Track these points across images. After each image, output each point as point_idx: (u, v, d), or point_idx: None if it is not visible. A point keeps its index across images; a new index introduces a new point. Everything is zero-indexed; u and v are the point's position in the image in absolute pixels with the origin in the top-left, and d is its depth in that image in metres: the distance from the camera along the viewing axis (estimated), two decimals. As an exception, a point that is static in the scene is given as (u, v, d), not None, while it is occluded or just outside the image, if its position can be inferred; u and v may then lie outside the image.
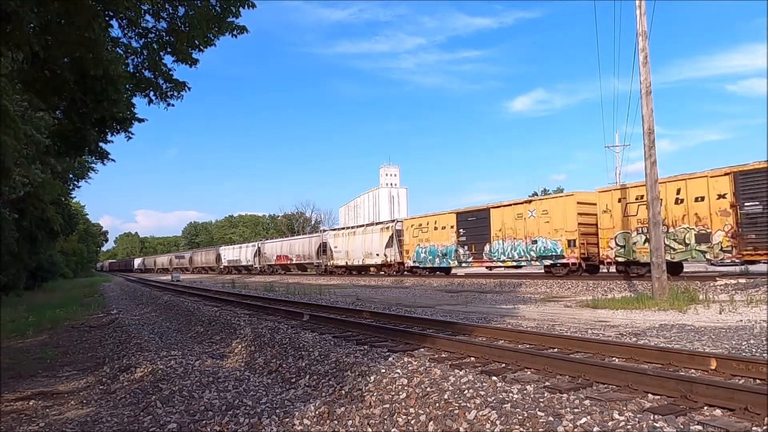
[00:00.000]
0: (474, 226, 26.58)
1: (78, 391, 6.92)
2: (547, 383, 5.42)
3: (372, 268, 36.92)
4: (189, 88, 8.59)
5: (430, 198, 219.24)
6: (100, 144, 8.63)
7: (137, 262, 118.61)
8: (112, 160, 9.23)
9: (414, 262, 30.60)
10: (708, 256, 17.09)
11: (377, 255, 34.52)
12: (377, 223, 38.28)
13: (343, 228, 44.28)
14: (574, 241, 21.43)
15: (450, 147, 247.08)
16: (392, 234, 33.25)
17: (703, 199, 17.02)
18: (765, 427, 3.87)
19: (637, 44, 13.73)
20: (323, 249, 42.32)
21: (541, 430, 3.81)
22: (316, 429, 4.74)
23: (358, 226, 41.35)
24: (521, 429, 3.89)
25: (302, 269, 47.26)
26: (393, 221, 35.71)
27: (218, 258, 64.64)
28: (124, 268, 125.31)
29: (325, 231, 50.71)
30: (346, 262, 38.37)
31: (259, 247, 55.18)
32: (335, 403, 5.25)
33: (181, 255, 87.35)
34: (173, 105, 8.61)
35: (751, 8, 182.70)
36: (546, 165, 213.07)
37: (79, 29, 5.88)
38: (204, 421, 4.94)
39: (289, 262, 48.18)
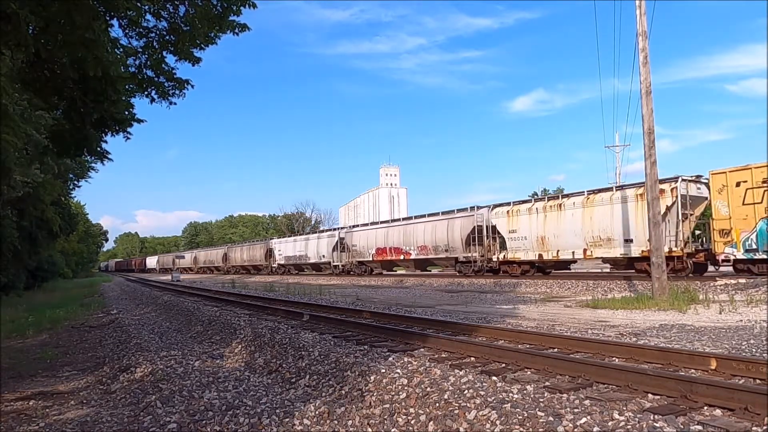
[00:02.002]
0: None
1: (78, 391, 6.92)
2: (547, 383, 5.42)
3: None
4: (192, 86, 8.58)
5: (430, 198, 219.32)
6: (100, 144, 8.61)
7: (151, 261, 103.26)
8: (111, 160, 9.21)
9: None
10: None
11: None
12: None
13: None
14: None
15: (450, 147, 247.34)
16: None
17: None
18: (765, 427, 3.87)
19: (637, 44, 13.73)
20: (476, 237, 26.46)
21: (541, 430, 3.81)
22: (316, 429, 4.74)
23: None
24: (521, 429, 3.89)
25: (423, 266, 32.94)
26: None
27: (269, 254, 51.25)
28: (127, 268, 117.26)
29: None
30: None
31: (340, 239, 39.05)
32: (335, 403, 5.26)
33: (210, 250, 75.06)
34: (175, 103, 8.60)
35: (751, 8, 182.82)
36: (546, 165, 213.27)
37: (80, 29, 5.87)
38: (204, 421, 4.94)
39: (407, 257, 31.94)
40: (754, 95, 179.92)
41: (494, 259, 24.96)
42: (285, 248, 47.82)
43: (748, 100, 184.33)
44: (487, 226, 25.71)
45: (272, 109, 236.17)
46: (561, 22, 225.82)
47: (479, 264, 25.72)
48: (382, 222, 37.36)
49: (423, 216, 32.26)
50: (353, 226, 41.24)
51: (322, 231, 45.02)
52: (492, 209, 25.66)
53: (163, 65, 8.08)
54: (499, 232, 24.81)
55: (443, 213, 29.76)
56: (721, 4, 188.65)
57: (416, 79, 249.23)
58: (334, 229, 43.24)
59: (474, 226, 26.15)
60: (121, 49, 7.78)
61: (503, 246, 24.58)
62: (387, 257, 33.48)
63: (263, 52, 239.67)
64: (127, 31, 7.58)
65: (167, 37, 7.62)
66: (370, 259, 34.86)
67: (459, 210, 28.83)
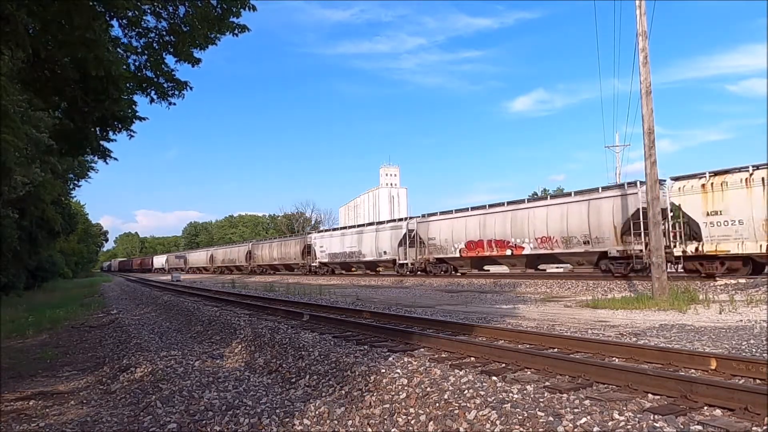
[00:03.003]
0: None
1: (78, 391, 6.92)
2: (547, 383, 5.42)
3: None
4: (191, 88, 8.60)
5: (430, 198, 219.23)
6: (102, 143, 8.62)
7: (159, 260, 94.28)
8: (115, 158, 9.21)
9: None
10: None
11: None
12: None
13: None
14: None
15: (450, 147, 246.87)
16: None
17: None
18: (765, 427, 3.87)
19: (637, 44, 13.74)
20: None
21: (541, 430, 3.81)
22: (316, 429, 4.74)
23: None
24: (521, 429, 3.89)
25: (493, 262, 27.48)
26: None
27: (306, 250, 43.10)
28: (132, 268, 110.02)
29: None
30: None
31: (408, 231, 31.31)
32: (335, 403, 5.26)
33: (230, 247, 64.25)
34: (175, 104, 8.62)
35: (751, 8, 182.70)
36: (546, 165, 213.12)
37: (80, 29, 5.88)
38: (204, 421, 4.95)
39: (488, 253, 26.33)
40: (754, 95, 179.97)
41: (678, 252, 17.92)
42: (329, 244, 39.47)
43: (748, 100, 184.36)
44: (663, 208, 16.57)
45: (272, 109, 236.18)
46: (561, 22, 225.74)
47: (644, 260, 18.50)
48: (474, 208, 27.34)
49: (541, 198, 26.38)
50: (428, 215, 30.73)
51: (381, 222, 36.17)
52: (674, 183, 18.35)
53: (162, 66, 8.09)
54: (684, 215, 17.98)
55: (578, 192, 22.43)
56: (721, 4, 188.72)
57: (416, 79, 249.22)
58: (399, 220, 34.61)
59: (637, 209, 18.91)
60: (122, 48, 7.80)
61: (692, 234, 17.85)
62: (483, 252, 25.91)
63: (263, 52, 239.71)
64: (126, 31, 7.59)
65: (167, 38, 7.63)
66: (456, 255, 27.29)
67: (605, 188, 21.63)
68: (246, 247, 56.87)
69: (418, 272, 30.40)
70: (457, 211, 28.70)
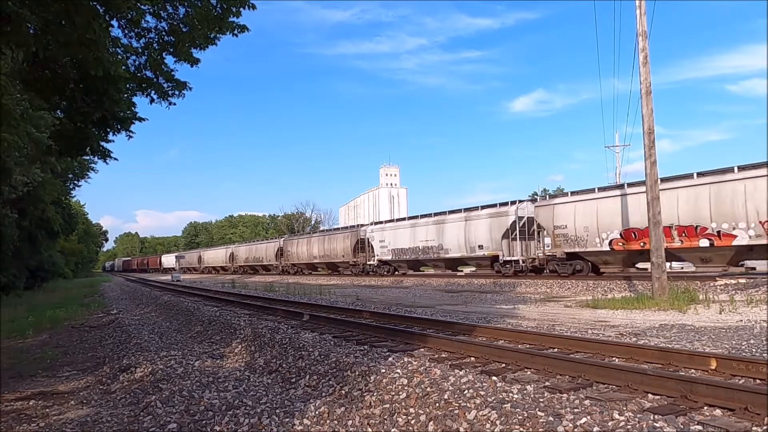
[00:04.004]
0: None
1: (78, 391, 6.92)
2: (547, 383, 5.42)
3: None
4: (190, 88, 8.60)
5: (430, 198, 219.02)
6: (102, 143, 8.63)
7: (168, 260, 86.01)
8: (115, 158, 9.22)
9: None
10: None
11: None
12: None
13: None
14: None
15: (450, 147, 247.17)
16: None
17: None
18: (765, 427, 3.87)
19: (637, 44, 13.73)
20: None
21: (541, 430, 3.81)
22: (316, 429, 4.74)
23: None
24: (521, 429, 3.89)
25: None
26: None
27: (359, 246, 36.21)
28: (138, 268, 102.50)
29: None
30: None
31: (518, 218, 24.45)
32: (335, 403, 5.26)
33: (255, 244, 56.65)
34: (174, 104, 8.63)
35: (751, 8, 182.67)
36: (546, 165, 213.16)
37: (80, 30, 5.88)
38: (204, 421, 4.95)
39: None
40: (754, 95, 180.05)
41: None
42: (393, 237, 32.39)
43: (748, 100, 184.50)
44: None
45: (272, 109, 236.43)
46: (561, 22, 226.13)
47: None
48: (633, 184, 19.35)
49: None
50: (550, 195, 25.05)
51: (473, 209, 27.53)
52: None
53: (162, 66, 8.09)
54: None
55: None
56: (721, 4, 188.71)
57: (417, 79, 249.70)
58: (501, 204, 25.86)
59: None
60: (122, 49, 7.80)
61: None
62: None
63: (264, 52, 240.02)
64: (126, 31, 7.59)
65: (167, 38, 7.63)
66: (604, 248, 20.05)
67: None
68: (276, 243, 49.54)
69: (530, 272, 23.55)
70: (601, 189, 21.14)
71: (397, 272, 33.07)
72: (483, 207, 27.00)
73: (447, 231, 28.08)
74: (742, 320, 9.68)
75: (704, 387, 4.61)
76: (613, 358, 6.48)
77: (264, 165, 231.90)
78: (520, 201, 25.05)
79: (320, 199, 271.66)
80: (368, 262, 34.76)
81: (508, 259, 24.37)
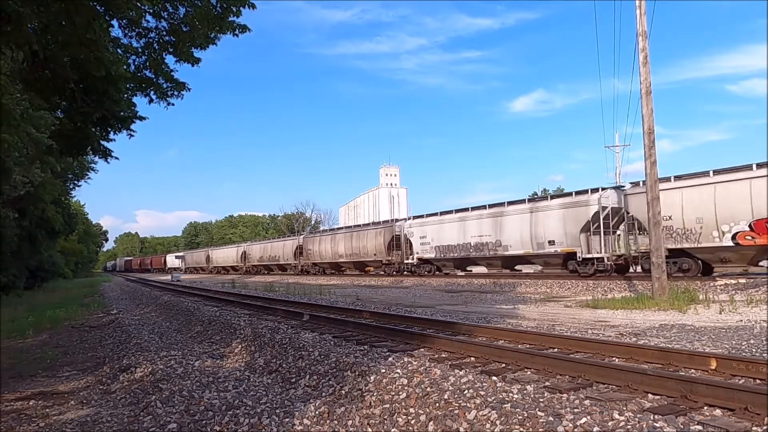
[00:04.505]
0: None
1: (78, 391, 6.92)
2: (547, 383, 5.42)
3: None
4: (189, 89, 8.59)
5: (430, 198, 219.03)
6: (103, 142, 8.62)
7: (172, 259, 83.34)
8: (116, 157, 9.20)
9: None
10: None
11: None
12: None
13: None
14: None
15: (450, 147, 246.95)
16: None
17: None
18: (765, 427, 3.87)
19: (637, 44, 13.74)
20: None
21: (541, 430, 3.81)
22: (316, 429, 4.74)
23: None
24: (521, 429, 3.89)
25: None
26: None
27: (394, 243, 32.57)
28: (138, 268, 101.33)
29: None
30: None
31: (613, 210, 20.98)
32: (335, 403, 5.26)
33: (271, 242, 53.22)
34: (173, 104, 8.61)
35: (751, 8, 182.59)
36: (546, 165, 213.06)
37: (80, 30, 5.88)
38: (204, 421, 4.95)
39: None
40: (754, 95, 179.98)
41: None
42: (437, 233, 28.59)
43: (748, 100, 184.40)
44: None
45: (272, 109, 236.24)
46: (561, 22, 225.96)
47: None
48: (761, 165, 16.10)
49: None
50: (642, 183, 17.74)
51: (540, 198, 25.13)
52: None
53: (162, 66, 8.08)
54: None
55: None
56: (721, 4, 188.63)
57: (417, 79, 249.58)
58: (579, 193, 22.10)
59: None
60: (122, 49, 7.80)
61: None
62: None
63: (264, 52, 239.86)
64: (126, 31, 7.59)
65: (167, 38, 7.62)
66: (728, 243, 16.60)
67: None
68: (295, 241, 45.99)
69: (613, 272, 20.14)
70: (718, 172, 17.26)
71: (439, 272, 29.53)
72: (553, 196, 23.84)
73: (506, 224, 24.35)
74: (742, 320, 9.68)
75: (704, 387, 4.61)
76: (613, 358, 6.48)
77: (264, 165, 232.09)
78: (603, 188, 21.30)
79: (320, 199, 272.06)
80: (405, 261, 31.22)
81: (588, 256, 20.78)
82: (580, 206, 21.21)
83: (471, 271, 28.76)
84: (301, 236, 47.05)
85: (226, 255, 62.08)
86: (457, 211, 28.54)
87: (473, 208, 27.58)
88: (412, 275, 30.26)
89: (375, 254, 33.88)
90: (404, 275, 30.94)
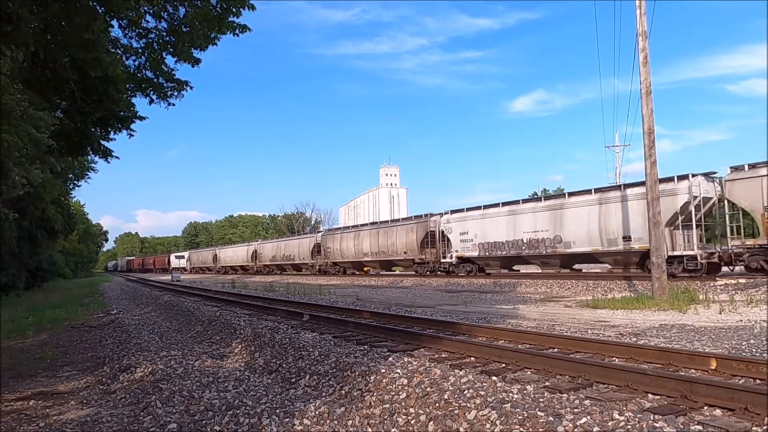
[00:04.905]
0: None
1: (78, 391, 6.92)
2: (547, 383, 5.42)
3: None
4: (191, 87, 8.59)
5: (430, 198, 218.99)
6: (103, 142, 8.62)
7: (177, 260, 79.31)
8: (117, 157, 9.20)
9: None
10: None
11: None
12: None
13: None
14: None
15: (450, 147, 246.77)
16: None
17: None
18: (765, 427, 3.87)
19: (637, 44, 13.74)
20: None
21: (541, 430, 3.81)
22: (316, 429, 4.74)
23: None
24: (521, 429, 3.89)
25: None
26: None
27: (428, 240, 29.59)
28: (141, 268, 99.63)
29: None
30: None
31: (719, 201, 18.17)
32: (335, 403, 5.26)
33: (286, 240, 50.65)
34: (174, 104, 8.61)
35: (751, 8, 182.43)
36: (546, 165, 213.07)
37: (79, 30, 5.88)
38: (204, 421, 4.95)
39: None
40: (754, 95, 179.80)
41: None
42: (481, 228, 25.74)
43: (748, 100, 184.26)
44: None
45: (273, 109, 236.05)
46: (561, 22, 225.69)
47: None
48: None
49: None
50: (748, 166, 16.85)
51: (613, 188, 21.51)
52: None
53: (162, 66, 8.08)
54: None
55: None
56: (721, 4, 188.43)
57: (417, 79, 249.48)
58: (665, 180, 17.77)
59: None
60: (121, 49, 7.79)
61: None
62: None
63: (264, 52, 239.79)
64: (126, 31, 7.59)
65: (167, 38, 7.62)
66: None
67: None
68: (312, 239, 42.97)
69: (704, 272, 17.26)
70: None
71: (481, 273, 26.47)
72: (627, 185, 20.19)
73: (567, 218, 21.47)
74: (742, 320, 9.68)
75: (704, 387, 4.61)
76: (613, 358, 6.48)
77: (264, 165, 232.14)
78: (693, 175, 17.87)
79: (320, 199, 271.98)
80: (442, 260, 28.04)
81: (675, 254, 17.75)
82: (665, 196, 16.82)
83: (519, 271, 26.18)
84: (320, 234, 43.91)
85: (235, 254, 59.26)
86: (505, 203, 25.31)
87: (524, 201, 25.03)
88: (451, 275, 27.29)
89: (406, 252, 30.77)
90: (438, 275, 27.87)
